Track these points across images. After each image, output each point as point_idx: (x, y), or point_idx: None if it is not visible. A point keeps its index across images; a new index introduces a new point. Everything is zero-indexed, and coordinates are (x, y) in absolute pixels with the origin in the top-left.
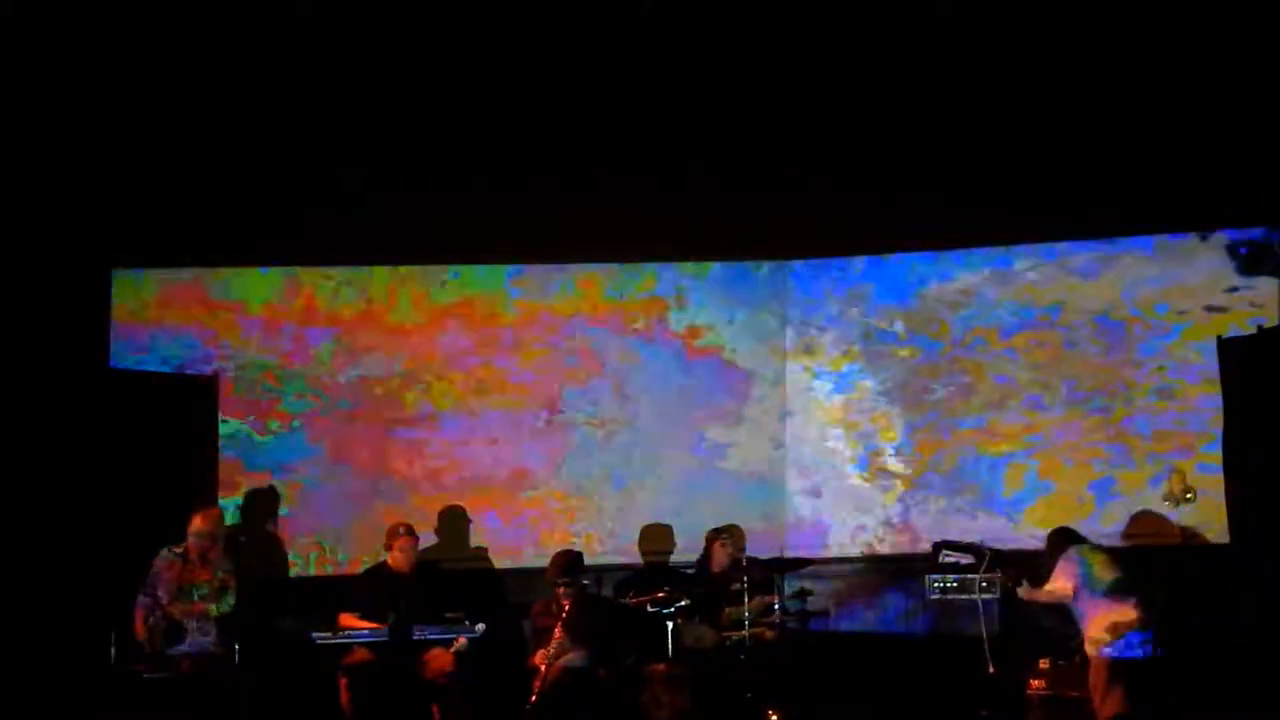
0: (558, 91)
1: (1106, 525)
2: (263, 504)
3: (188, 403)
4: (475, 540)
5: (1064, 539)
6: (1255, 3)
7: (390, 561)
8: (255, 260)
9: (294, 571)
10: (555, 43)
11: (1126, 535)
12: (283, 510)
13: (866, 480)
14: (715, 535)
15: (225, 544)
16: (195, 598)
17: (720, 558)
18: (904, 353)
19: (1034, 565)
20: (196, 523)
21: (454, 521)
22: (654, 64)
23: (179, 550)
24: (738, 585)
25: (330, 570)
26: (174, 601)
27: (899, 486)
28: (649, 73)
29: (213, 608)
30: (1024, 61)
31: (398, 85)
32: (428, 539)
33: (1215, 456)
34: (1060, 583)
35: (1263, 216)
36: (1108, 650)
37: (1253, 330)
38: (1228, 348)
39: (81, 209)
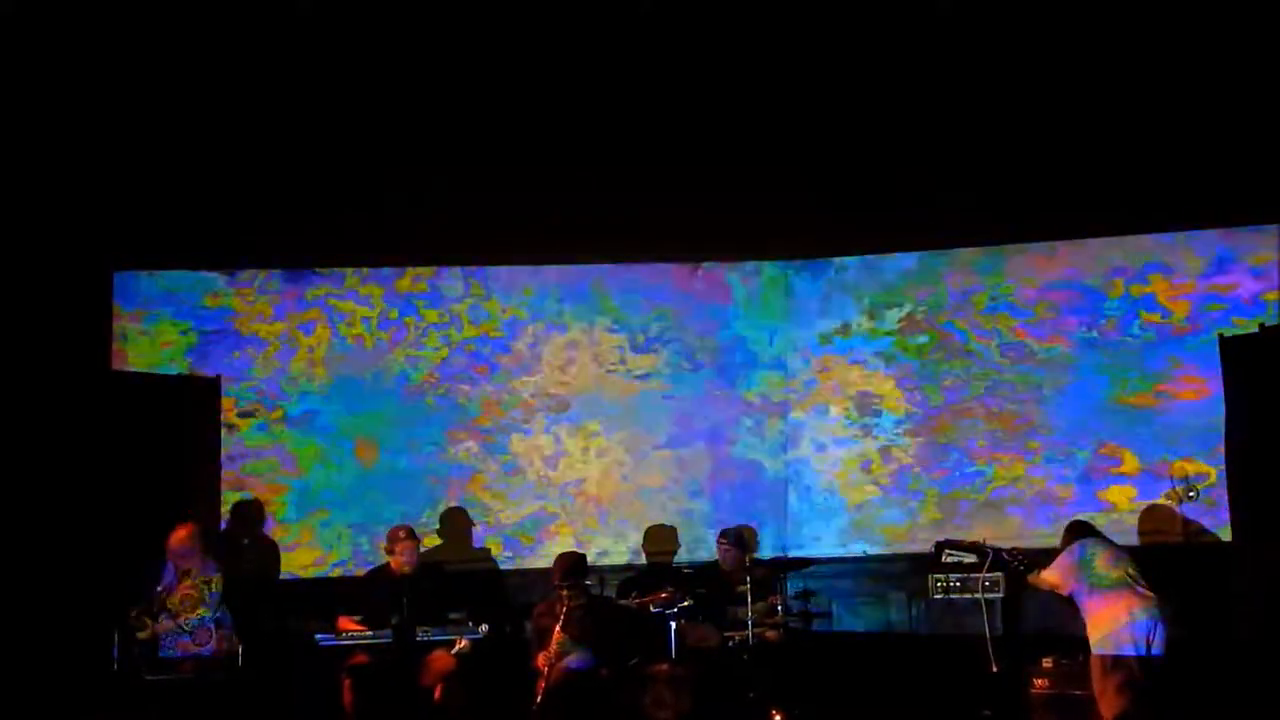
0: (558, 91)
1: (1110, 524)
2: (254, 511)
3: (190, 404)
4: (478, 541)
5: (1075, 531)
6: (1253, 3)
7: (392, 564)
8: (256, 261)
9: (304, 572)
10: (555, 43)
11: (1138, 532)
12: (287, 511)
13: (869, 478)
14: (720, 537)
15: (223, 548)
16: (173, 612)
17: (725, 559)
18: (908, 352)
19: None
20: (170, 542)
21: (456, 523)
22: (654, 64)
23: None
24: (741, 587)
25: (334, 572)
26: (158, 618)
27: (902, 485)
28: (649, 73)
29: (183, 621)
30: (1024, 61)
31: (398, 85)
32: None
33: (1218, 453)
34: (1052, 573)
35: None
36: (1104, 648)
37: (1254, 328)
38: (1230, 346)
39: (83, 210)
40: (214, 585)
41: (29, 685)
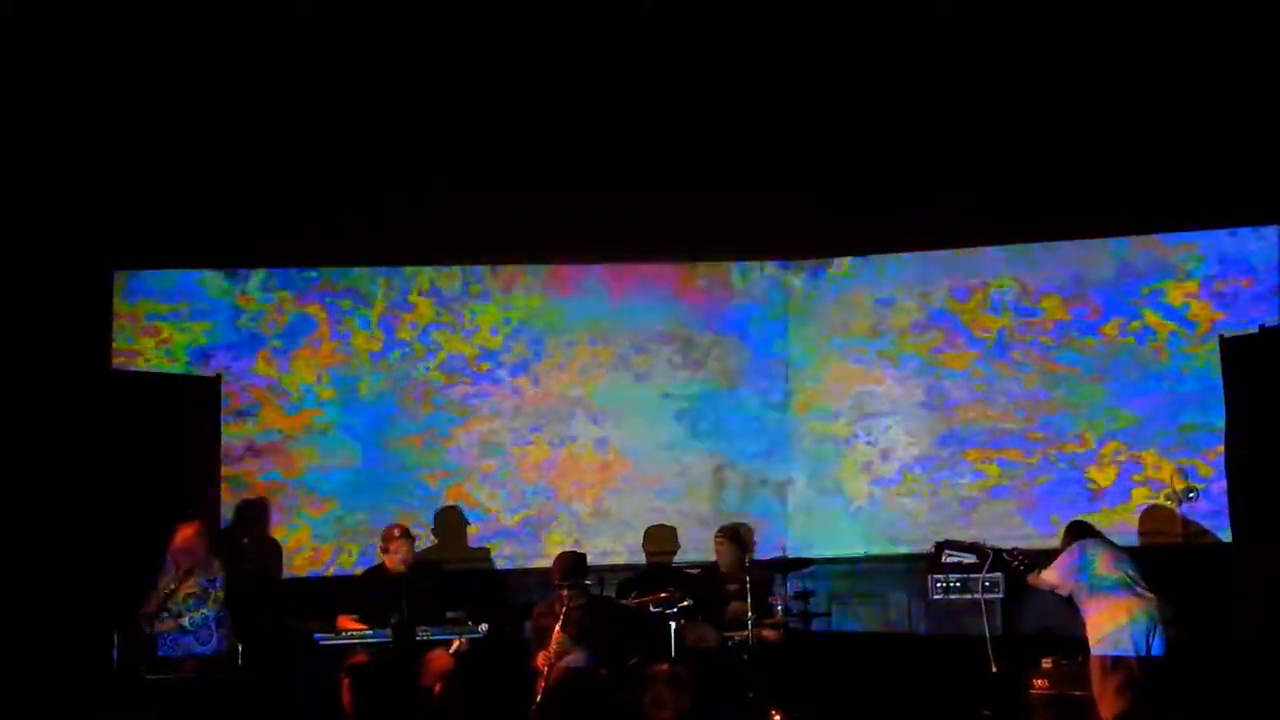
0: (558, 91)
1: (1110, 525)
2: (255, 510)
3: (189, 403)
4: (478, 540)
5: (1075, 531)
6: (1254, 3)
7: (387, 563)
8: (256, 260)
9: (304, 572)
10: (555, 43)
11: (1138, 533)
12: (285, 510)
13: (870, 478)
14: (718, 534)
15: (224, 547)
16: (175, 612)
17: (721, 556)
18: (909, 352)
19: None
20: (174, 541)
21: (451, 522)
22: (654, 64)
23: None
24: (734, 585)
25: (331, 571)
26: (159, 617)
27: (903, 485)
28: (649, 73)
29: (185, 620)
30: (1025, 61)
31: (398, 85)
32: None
33: (1217, 454)
34: (1052, 574)
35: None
36: (1104, 648)
37: (1254, 329)
38: (1230, 346)
39: (82, 209)
40: (217, 584)
41: (29, 685)
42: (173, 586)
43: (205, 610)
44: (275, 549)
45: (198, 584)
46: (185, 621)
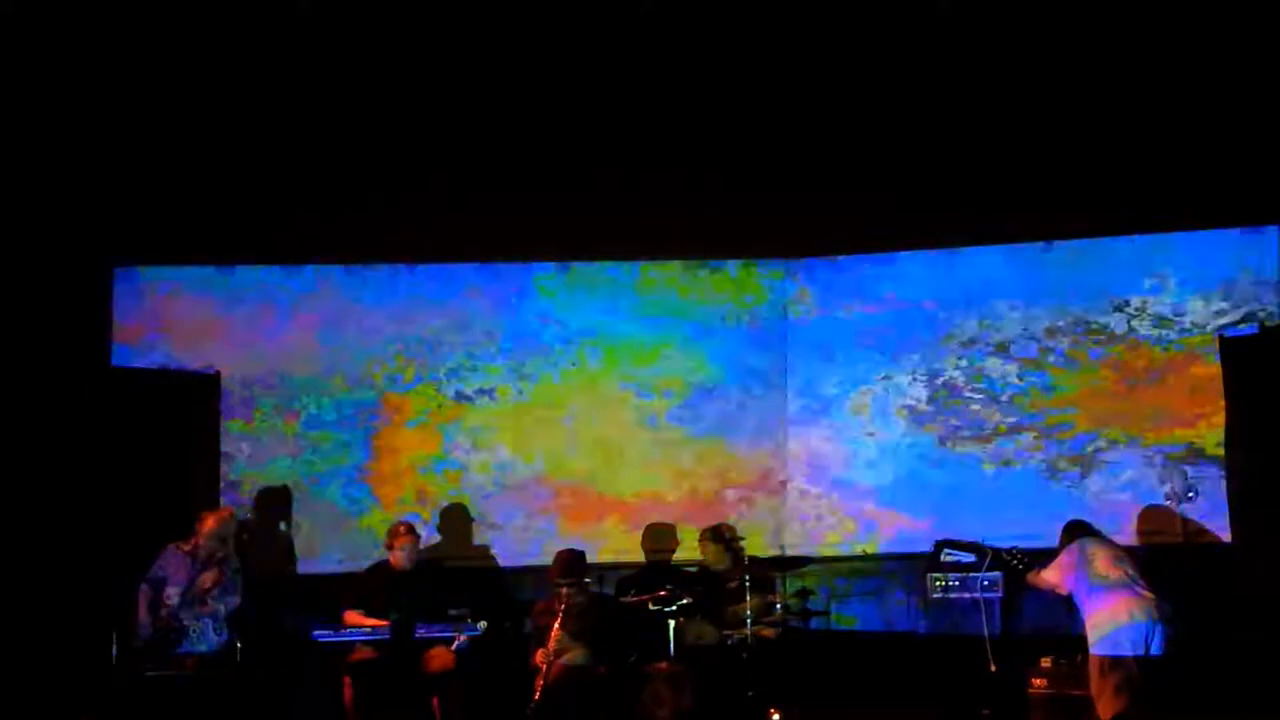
0: (558, 91)
1: (1110, 524)
2: (275, 503)
3: (189, 401)
4: (478, 538)
5: (1074, 531)
6: (1253, 3)
7: (392, 560)
8: (255, 257)
9: (302, 570)
10: (556, 43)
11: (1137, 532)
12: (285, 508)
13: (869, 476)
14: (701, 535)
15: (234, 542)
16: (205, 599)
17: (707, 555)
18: (909, 349)
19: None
20: (208, 524)
21: (456, 520)
22: (654, 64)
23: (187, 548)
24: (734, 583)
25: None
26: (183, 604)
27: (902, 483)
28: (649, 73)
29: (221, 607)
30: (1024, 61)
31: (398, 85)
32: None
33: (1218, 453)
34: (1051, 573)
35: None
36: (1103, 648)
37: (1254, 329)
38: (1230, 346)
39: (82, 206)
40: (240, 576)
41: (30, 682)
42: (208, 562)
43: (234, 599)
44: (276, 547)
45: (225, 574)
46: (220, 608)
